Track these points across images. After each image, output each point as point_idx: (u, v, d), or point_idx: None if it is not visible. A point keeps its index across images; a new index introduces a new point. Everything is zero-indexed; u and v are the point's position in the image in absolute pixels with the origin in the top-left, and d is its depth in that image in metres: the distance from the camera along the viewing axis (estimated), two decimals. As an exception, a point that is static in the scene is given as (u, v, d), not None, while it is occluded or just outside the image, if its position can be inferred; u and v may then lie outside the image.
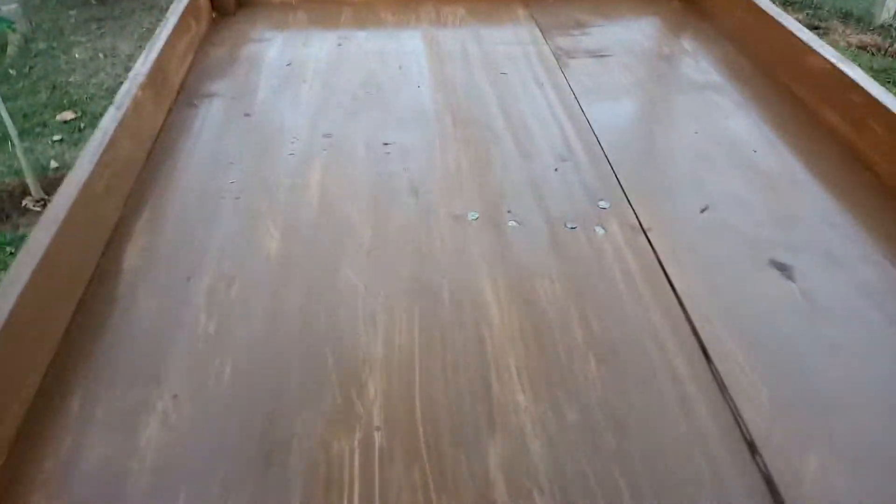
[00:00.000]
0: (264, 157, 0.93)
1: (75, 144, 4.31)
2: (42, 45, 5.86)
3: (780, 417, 0.58)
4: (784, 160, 0.91)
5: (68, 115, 4.67)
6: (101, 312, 0.70)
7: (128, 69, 5.49)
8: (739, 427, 0.58)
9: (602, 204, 0.84)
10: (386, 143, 0.94)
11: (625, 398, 0.60)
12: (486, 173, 0.89)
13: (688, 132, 0.99)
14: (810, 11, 6.18)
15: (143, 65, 0.96)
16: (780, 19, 1.06)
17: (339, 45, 1.18)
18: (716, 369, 0.63)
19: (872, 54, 4.87)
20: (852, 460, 0.54)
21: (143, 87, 0.95)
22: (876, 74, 4.41)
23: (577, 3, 1.31)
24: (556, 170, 0.89)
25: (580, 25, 1.23)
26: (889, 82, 4.27)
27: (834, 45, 5.11)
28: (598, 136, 0.95)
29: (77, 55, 5.66)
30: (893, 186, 0.84)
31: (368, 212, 0.83)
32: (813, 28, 5.61)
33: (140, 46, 5.79)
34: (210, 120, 1.00)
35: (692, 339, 0.67)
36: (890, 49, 4.94)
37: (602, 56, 1.14)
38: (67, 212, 0.72)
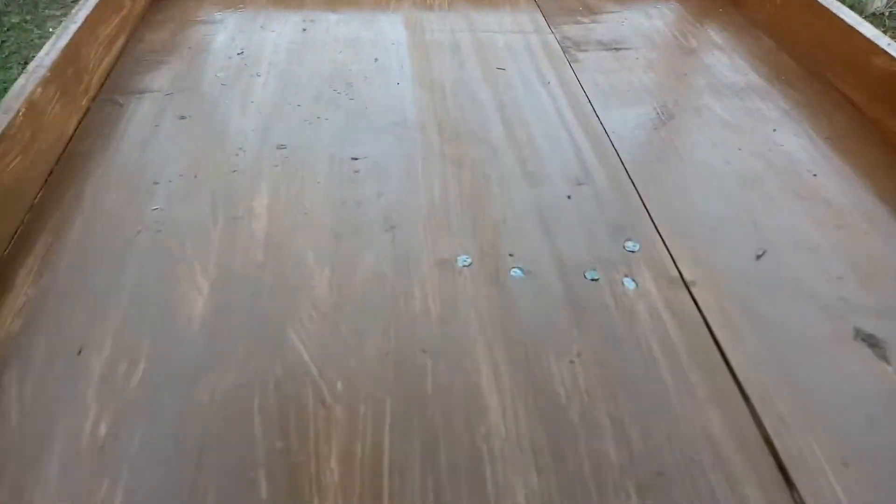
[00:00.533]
0: (199, 174, 0.75)
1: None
2: (15, 19, 5.66)
3: None
4: (853, 188, 0.75)
5: (42, 92, 4.53)
6: None
7: (104, 45, 5.32)
8: None
9: (630, 245, 0.68)
10: (355, 159, 0.77)
11: None
12: (481, 202, 0.73)
13: (729, 148, 0.84)
14: None
15: (47, 54, 0.81)
16: (833, 8, 0.93)
17: (304, 29, 1.02)
18: (799, 497, 0.49)
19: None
20: None
21: (45, 83, 0.76)
22: (869, 65, 4.38)
23: None
24: (569, 197, 0.74)
25: (590, 11, 1.06)
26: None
27: (826, 33, 5.06)
28: (619, 152, 0.79)
29: (51, 29, 5.47)
30: None
31: (329, 255, 0.66)
32: (805, 15, 5.56)
33: (117, 21, 5.63)
34: (135, 124, 0.83)
35: (764, 449, 0.52)
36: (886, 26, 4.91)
37: (618, 49, 0.97)
38: None
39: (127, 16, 0.98)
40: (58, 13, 5.76)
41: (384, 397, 0.54)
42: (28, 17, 5.68)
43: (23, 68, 4.96)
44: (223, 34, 1.02)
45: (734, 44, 1.03)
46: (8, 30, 5.46)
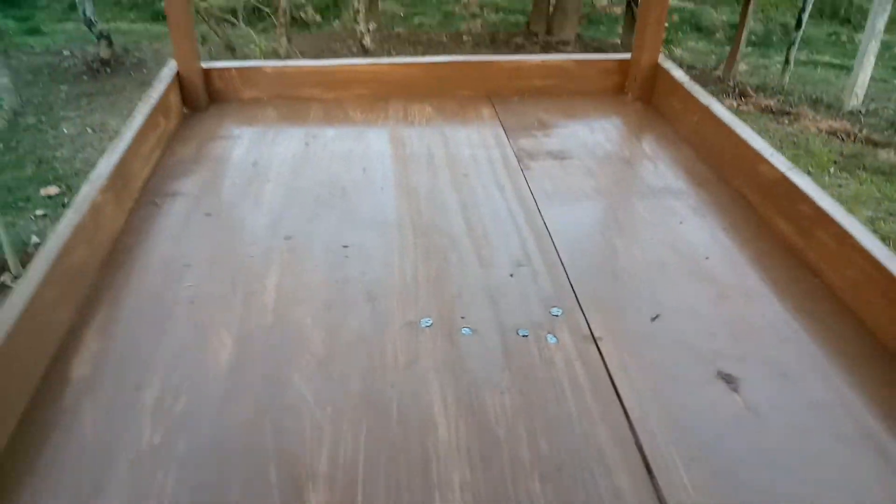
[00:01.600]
0: (223, 258, 0.94)
1: (57, 219, 4.36)
2: (31, 120, 5.98)
3: None
4: (736, 268, 0.93)
5: (52, 189, 4.74)
6: (46, 422, 0.70)
7: (115, 145, 5.60)
8: None
9: (555, 311, 0.85)
10: (345, 246, 0.96)
11: None
12: (442, 280, 0.91)
13: (643, 238, 1.01)
14: (781, 97, 6.46)
15: (105, 167, 0.99)
16: (735, 127, 1.10)
17: (307, 143, 1.21)
18: (658, 485, 0.64)
19: (842, 140, 5.09)
20: None
21: (104, 190, 0.96)
22: (846, 160, 4.59)
23: (542, 102, 1.34)
24: (511, 275, 0.91)
25: (543, 126, 1.25)
26: (859, 167, 4.45)
27: (805, 130, 5.34)
28: (555, 241, 0.97)
29: (65, 130, 5.78)
30: (842, 296, 0.87)
31: (323, 319, 0.83)
32: (784, 114, 5.87)
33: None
34: (171, 220, 1.02)
35: (636, 455, 0.67)
36: (860, 135, 5.17)
37: (563, 159, 1.16)
38: (15, 324, 0.71)
39: (162, 134, 1.16)
40: (72, 115, 6.10)
41: (361, 417, 0.72)
42: (43, 119, 6.01)
43: (36, 168, 5.21)
44: (240, 148, 1.19)
45: (661, 154, 1.18)
46: (24, 130, 5.77)
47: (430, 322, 0.84)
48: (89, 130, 5.76)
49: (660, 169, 1.15)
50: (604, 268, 0.94)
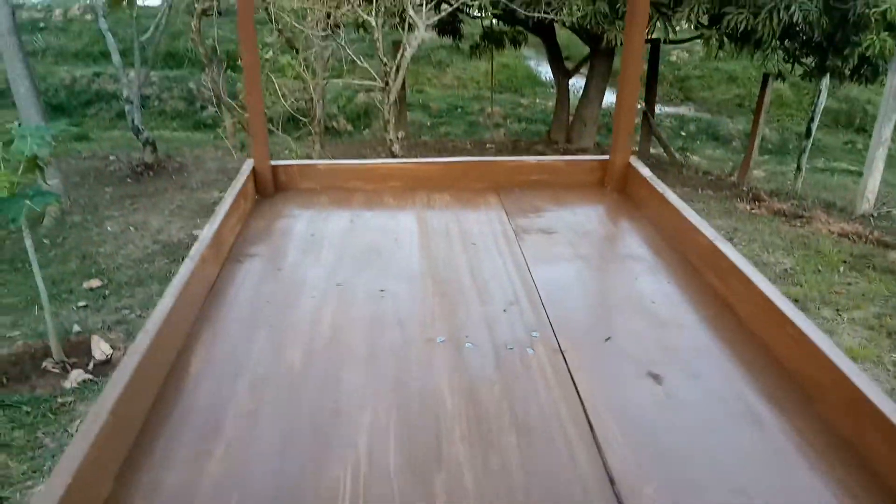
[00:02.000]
0: (292, 298, 1.24)
1: (98, 310, 4.63)
2: (77, 218, 6.40)
3: (644, 473, 0.83)
4: (675, 308, 1.20)
5: (95, 283, 5.03)
6: (175, 396, 0.97)
7: (156, 241, 5.96)
8: (604, 464, 0.85)
9: (534, 334, 1.12)
10: (382, 290, 1.24)
11: (532, 455, 0.84)
12: (453, 312, 1.19)
13: (606, 288, 1.32)
14: (795, 202, 6.70)
15: (207, 234, 1.25)
16: (682, 210, 1.36)
17: (352, 221, 1.52)
18: (601, 447, 0.87)
19: (853, 241, 5.25)
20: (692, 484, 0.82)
21: (208, 247, 1.23)
22: (856, 259, 4.73)
23: (538, 193, 1.64)
24: (504, 311, 1.19)
25: (537, 210, 1.54)
26: (868, 267, 4.58)
27: (817, 233, 5.52)
28: (538, 289, 1.26)
29: (109, 228, 6.16)
30: (748, 325, 1.14)
31: (365, 338, 1.10)
32: (796, 217, 6.08)
33: (170, 221, 6.30)
34: (252, 273, 1.32)
35: (586, 425, 0.91)
36: (870, 236, 5.33)
37: (551, 233, 1.44)
38: (157, 330, 0.99)
39: (242, 212, 1.44)
40: (116, 214, 6.52)
41: (392, 397, 0.97)
42: (89, 218, 6.43)
43: (80, 262, 5.56)
44: (300, 224, 1.47)
45: (629, 231, 1.42)
46: (70, 227, 6.18)
47: (443, 339, 1.11)
48: (132, 229, 6.13)
49: (626, 241, 1.39)
50: (574, 306, 1.18)
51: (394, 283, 1.25)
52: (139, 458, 0.86)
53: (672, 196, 1.38)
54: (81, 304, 4.67)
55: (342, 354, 1.06)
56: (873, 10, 5.73)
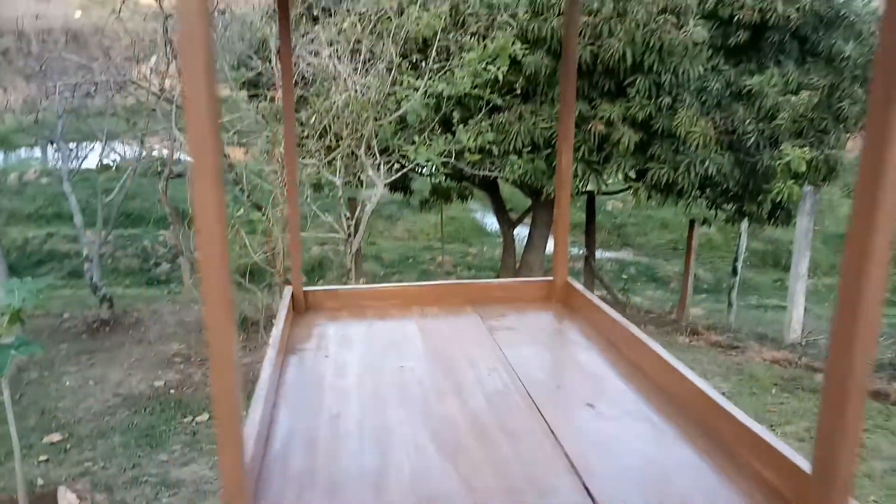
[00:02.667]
0: (340, 373, 1.56)
1: (60, 464, 4.66)
2: (33, 375, 6.44)
3: (588, 460, 1.13)
4: (604, 368, 1.54)
5: (55, 437, 5.06)
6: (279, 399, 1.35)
7: (116, 395, 6.03)
8: (564, 453, 1.14)
9: (510, 385, 1.48)
10: (402, 366, 1.57)
11: (518, 449, 1.15)
12: (448, 374, 1.53)
13: (556, 358, 1.71)
14: (730, 334, 7.26)
15: (275, 333, 1.58)
16: (606, 311, 1.74)
17: (369, 326, 1.88)
18: (556, 437, 1.19)
19: (784, 367, 5.74)
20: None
21: (274, 344, 1.55)
22: (786, 382, 5.18)
23: (502, 305, 2.02)
24: (488, 374, 1.52)
25: (502, 315, 1.93)
26: (798, 388, 5.02)
27: (751, 360, 6.01)
28: (510, 362, 1.59)
29: (67, 383, 6.22)
30: (654, 379, 1.44)
31: (393, 390, 1.43)
32: (732, 348, 6.59)
33: (129, 374, 6.39)
34: (306, 359, 1.66)
35: (549, 432, 1.23)
36: (799, 362, 5.83)
37: (514, 330, 1.81)
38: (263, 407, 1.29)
39: (286, 323, 1.73)
40: (73, 370, 6.58)
41: (423, 427, 1.25)
42: (46, 374, 6.48)
43: (39, 418, 5.56)
44: (332, 329, 1.81)
45: (572, 328, 1.81)
46: (27, 384, 6.21)
47: (443, 389, 1.45)
48: (91, 383, 6.20)
49: (569, 333, 1.79)
50: (535, 369, 1.54)
51: (409, 362, 1.61)
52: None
53: (600, 302, 1.79)
54: (43, 458, 4.70)
55: (385, 401, 1.40)
56: (778, 161, 6.61)
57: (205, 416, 5.56)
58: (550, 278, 1.98)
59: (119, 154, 8.90)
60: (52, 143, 8.91)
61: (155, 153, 8.07)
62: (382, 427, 1.27)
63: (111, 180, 8.97)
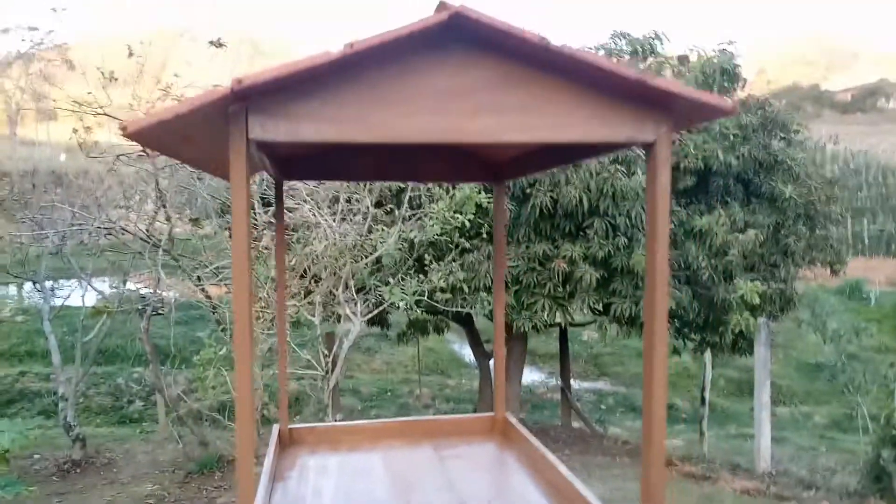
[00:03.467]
0: (314, 499, 1.76)
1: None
2: (2, 520, 6.42)
3: None
4: (528, 488, 1.83)
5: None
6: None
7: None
8: None
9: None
10: (370, 490, 1.84)
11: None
12: (404, 497, 1.78)
13: (492, 480, 2.00)
14: (704, 464, 7.46)
15: (266, 464, 1.83)
16: (530, 439, 2.05)
17: (342, 458, 2.10)
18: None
19: (753, 496, 5.95)
20: None
21: (264, 473, 1.82)
22: (754, 511, 5.40)
23: (452, 437, 2.28)
24: (436, 492, 1.81)
25: (453, 447, 2.20)
26: (763, 516, 5.23)
27: (721, 491, 6.21)
28: (455, 486, 1.84)
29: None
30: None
31: (388, 488, 1.74)
32: (704, 478, 6.79)
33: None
34: (289, 486, 1.88)
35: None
36: (768, 492, 6.05)
37: (461, 458, 2.10)
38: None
39: (276, 455, 1.98)
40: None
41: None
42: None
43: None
44: (310, 461, 2.06)
45: (508, 452, 2.12)
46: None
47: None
48: (61, 530, 6.20)
49: (507, 461, 2.06)
50: (474, 488, 1.80)
51: (373, 486, 1.88)
52: None
53: (525, 432, 2.11)
54: None
55: (374, 486, 1.71)
56: (732, 295, 7.12)
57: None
58: (492, 413, 2.32)
59: (100, 293, 9.23)
60: (34, 284, 9.21)
61: (137, 292, 8.44)
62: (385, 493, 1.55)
63: (89, 318, 9.23)
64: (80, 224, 7.36)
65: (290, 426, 2.25)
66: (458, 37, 1.02)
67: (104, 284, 9.47)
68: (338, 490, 1.86)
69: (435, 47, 1.01)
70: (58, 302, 9.66)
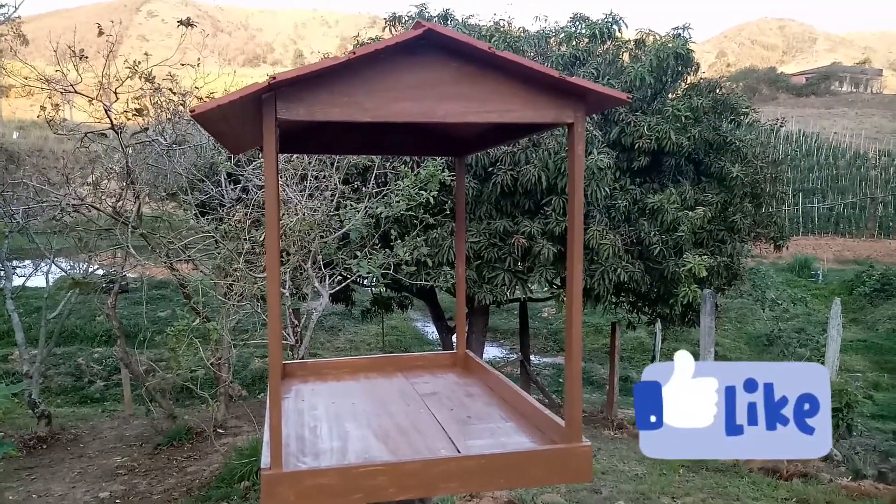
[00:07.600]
0: (311, 410, 2.04)
1: None
2: (-26, 493, 6.60)
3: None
4: (489, 407, 2.11)
5: (4, 547, 5.30)
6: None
7: (63, 505, 6.25)
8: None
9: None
10: (353, 403, 2.13)
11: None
12: (384, 409, 2.07)
13: (453, 398, 2.22)
14: (654, 429, 7.98)
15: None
16: (489, 370, 2.36)
17: (329, 385, 2.36)
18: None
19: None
20: None
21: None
22: (693, 463, 5.87)
23: (421, 369, 2.53)
24: (408, 406, 2.09)
25: (421, 376, 2.44)
26: (703, 468, 5.72)
27: (669, 450, 6.71)
28: (425, 402, 2.10)
29: (10, 497, 6.42)
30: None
31: (348, 417, 1.99)
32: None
33: (73, 487, 6.64)
34: (288, 404, 2.12)
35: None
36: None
37: (428, 383, 2.34)
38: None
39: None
40: (14, 485, 6.77)
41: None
42: (-14, 492, 6.65)
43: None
44: (303, 387, 2.33)
45: (470, 381, 2.42)
46: (-33, 502, 6.37)
47: (379, 414, 2.03)
48: (34, 496, 6.43)
49: (469, 386, 2.36)
50: (438, 403, 2.10)
51: (357, 402, 2.16)
52: None
53: (486, 365, 2.45)
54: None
55: (343, 420, 1.94)
56: (681, 268, 7.60)
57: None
58: (455, 351, 2.66)
59: (64, 271, 9.33)
60: (-6, 262, 9.25)
61: (101, 271, 8.58)
62: (342, 431, 1.86)
63: (62, 292, 9.31)
64: (44, 201, 7.46)
65: (284, 362, 2.56)
66: (430, 45, 1.40)
67: (66, 264, 9.55)
68: (329, 405, 2.16)
69: (413, 53, 1.40)
70: (19, 281, 9.74)
